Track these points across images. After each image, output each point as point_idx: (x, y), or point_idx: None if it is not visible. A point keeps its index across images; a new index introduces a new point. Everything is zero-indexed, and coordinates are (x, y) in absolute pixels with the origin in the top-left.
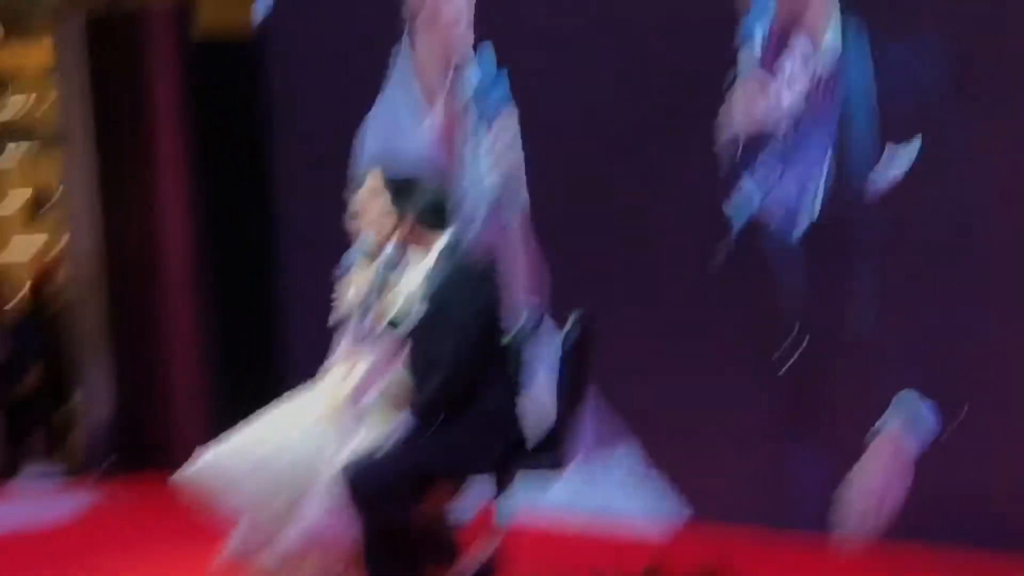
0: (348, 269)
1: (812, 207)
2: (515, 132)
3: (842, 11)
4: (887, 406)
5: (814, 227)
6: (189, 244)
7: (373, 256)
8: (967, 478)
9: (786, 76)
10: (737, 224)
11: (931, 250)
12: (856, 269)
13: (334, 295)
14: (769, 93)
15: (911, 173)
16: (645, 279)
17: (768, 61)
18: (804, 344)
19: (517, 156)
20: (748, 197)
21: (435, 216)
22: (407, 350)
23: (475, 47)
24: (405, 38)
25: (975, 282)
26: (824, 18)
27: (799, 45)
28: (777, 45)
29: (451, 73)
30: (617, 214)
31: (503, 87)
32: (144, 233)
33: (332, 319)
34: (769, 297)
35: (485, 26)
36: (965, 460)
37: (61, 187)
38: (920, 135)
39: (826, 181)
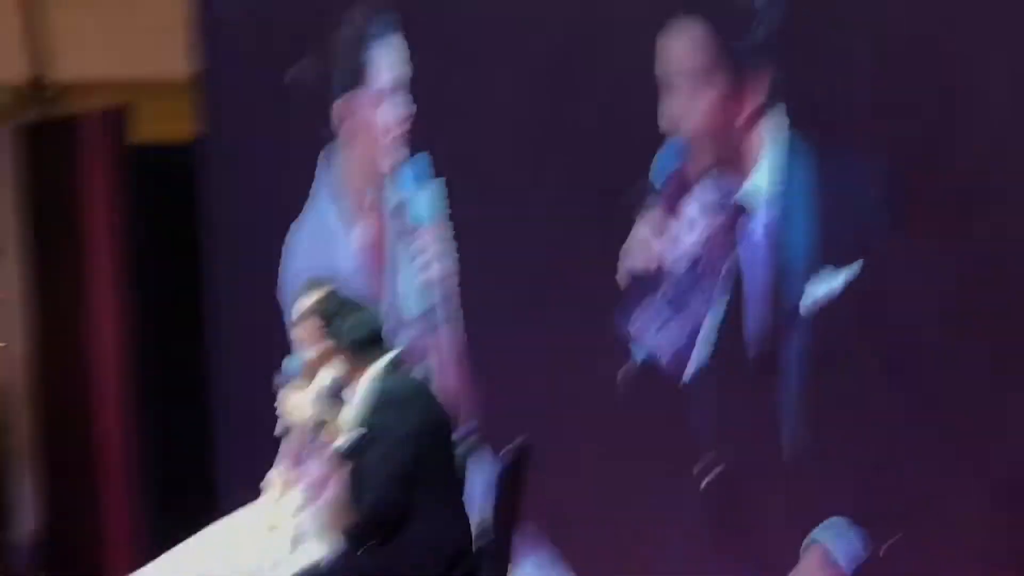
0: (287, 380)
1: (701, 353)
2: (444, 244)
3: (789, 130)
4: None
5: (712, 367)
6: (122, 355)
7: (310, 374)
8: None
9: (685, 220)
10: (637, 355)
11: (863, 373)
12: (784, 392)
13: (276, 405)
14: (664, 235)
15: (848, 295)
16: (565, 401)
17: (671, 200)
18: (719, 467)
19: (446, 269)
20: (640, 333)
21: (367, 346)
22: (345, 473)
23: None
24: (333, 147)
25: (909, 407)
26: (753, 157)
27: (707, 189)
28: (682, 185)
29: (379, 184)
30: (539, 333)
31: (432, 198)
32: (76, 344)
33: (276, 430)
34: (678, 425)
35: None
36: None
37: None
38: (860, 260)
39: (721, 326)
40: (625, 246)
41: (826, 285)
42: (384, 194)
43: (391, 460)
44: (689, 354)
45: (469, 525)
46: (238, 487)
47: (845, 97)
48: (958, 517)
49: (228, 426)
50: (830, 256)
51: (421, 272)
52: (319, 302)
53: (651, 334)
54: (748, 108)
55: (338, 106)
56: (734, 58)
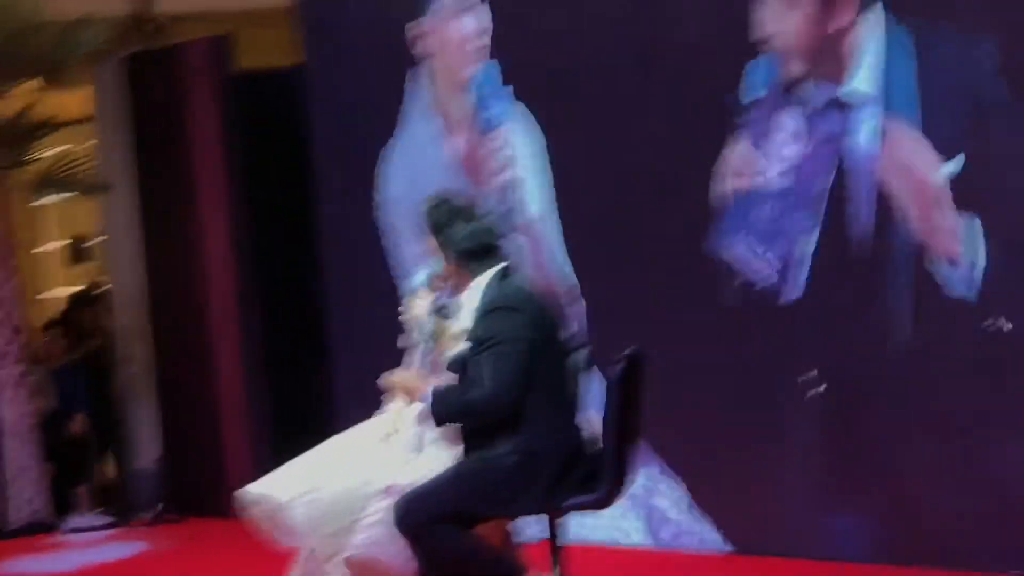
0: (413, 290)
1: (797, 277)
2: (518, 145)
3: (889, 24)
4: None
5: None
6: (234, 286)
7: (435, 285)
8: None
9: (787, 132)
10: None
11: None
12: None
13: (400, 315)
14: (757, 158)
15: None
16: (670, 318)
17: (769, 114)
18: (822, 385)
19: (523, 169)
20: (743, 253)
21: (478, 256)
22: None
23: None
24: (420, 68)
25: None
26: (850, 61)
27: (806, 97)
28: (779, 99)
29: (467, 97)
30: (636, 252)
31: (504, 101)
32: (188, 276)
33: (400, 342)
34: (781, 341)
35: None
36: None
37: (103, 233)
38: (963, 153)
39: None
40: (723, 162)
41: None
42: (471, 101)
43: (502, 361)
44: (791, 272)
45: (580, 431)
46: (351, 416)
47: None
48: None
49: (343, 353)
50: (939, 147)
51: (497, 174)
52: (428, 214)
53: (754, 253)
54: (842, 17)
55: (412, 27)
56: None
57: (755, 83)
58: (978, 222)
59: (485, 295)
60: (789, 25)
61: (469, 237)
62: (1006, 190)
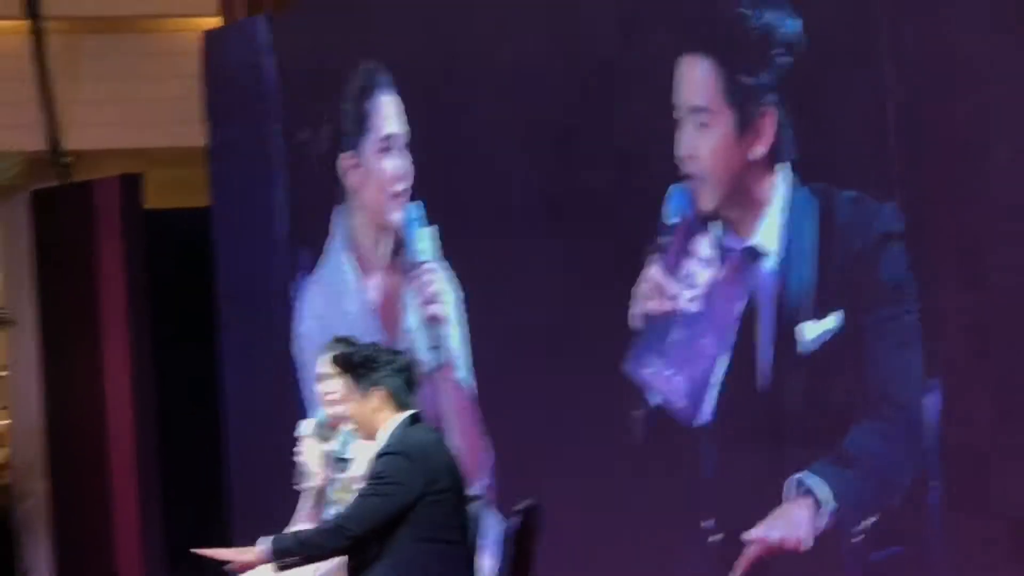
0: (308, 434)
1: (708, 399)
2: (441, 286)
3: (796, 179)
4: None
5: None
6: (133, 421)
7: (328, 431)
8: None
9: (698, 261)
10: (651, 400)
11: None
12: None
13: (296, 458)
14: (677, 275)
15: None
16: (580, 459)
17: (683, 241)
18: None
19: (445, 311)
20: (653, 378)
21: (406, 391)
22: None
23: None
24: (346, 204)
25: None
26: (764, 201)
27: (718, 231)
28: (694, 226)
29: (390, 237)
30: (549, 381)
31: (427, 241)
32: (87, 412)
33: (295, 483)
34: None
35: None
36: None
37: (7, 367)
38: (842, 310)
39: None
40: (637, 287)
41: (817, 329)
42: (395, 243)
43: (378, 499)
44: (702, 399)
45: None
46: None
47: (853, 144)
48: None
49: (244, 495)
50: (833, 303)
51: (422, 309)
52: (350, 353)
53: (664, 379)
54: (756, 150)
55: (344, 159)
56: (741, 97)
57: (673, 209)
58: None
59: (388, 439)
60: (703, 150)
61: (403, 370)
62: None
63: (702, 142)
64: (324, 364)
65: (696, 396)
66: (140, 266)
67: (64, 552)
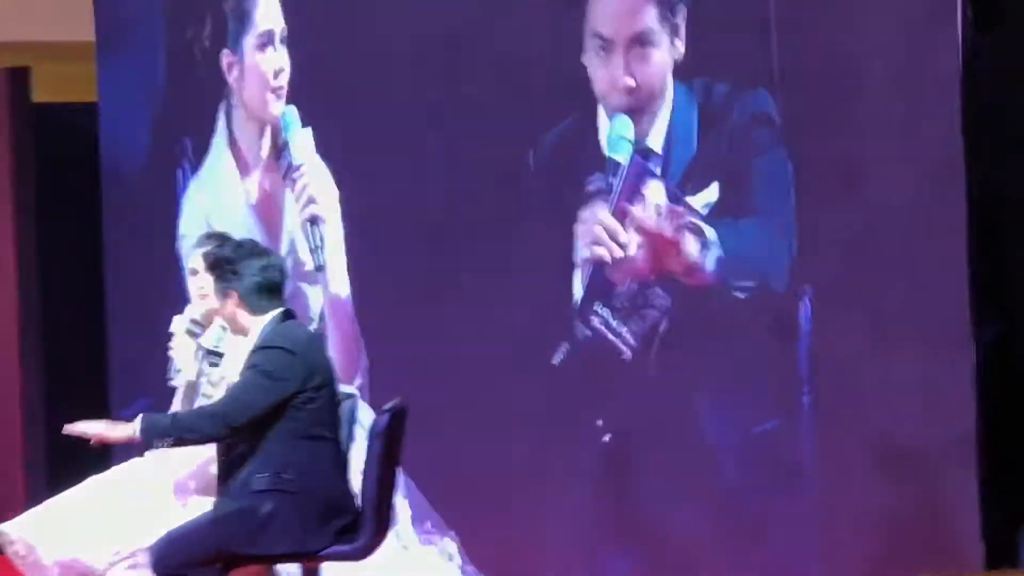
0: (181, 331)
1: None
2: (319, 188)
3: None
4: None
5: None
6: (18, 316)
7: (200, 327)
8: None
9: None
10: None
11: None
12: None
13: (170, 356)
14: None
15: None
16: (452, 358)
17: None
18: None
19: (322, 210)
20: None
21: (261, 296)
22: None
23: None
24: (225, 103)
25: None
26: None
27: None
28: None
29: (267, 137)
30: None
31: (305, 142)
32: None
33: (170, 381)
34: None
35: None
36: None
37: None
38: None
39: None
40: (583, 227)
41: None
42: (275, 140)
43: (258, 391)
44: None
45: (348, 482)
46: (132, 448)
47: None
48: None
49: (127, 390)
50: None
51: (301, 212)
52: (213, 252)
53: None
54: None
55: (225, 56)
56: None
57: (614, 142)
58: None
59: (262, 334)
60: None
61: (259, 273)
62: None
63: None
64: (195, 260)
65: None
66: (28, 160)
67: None
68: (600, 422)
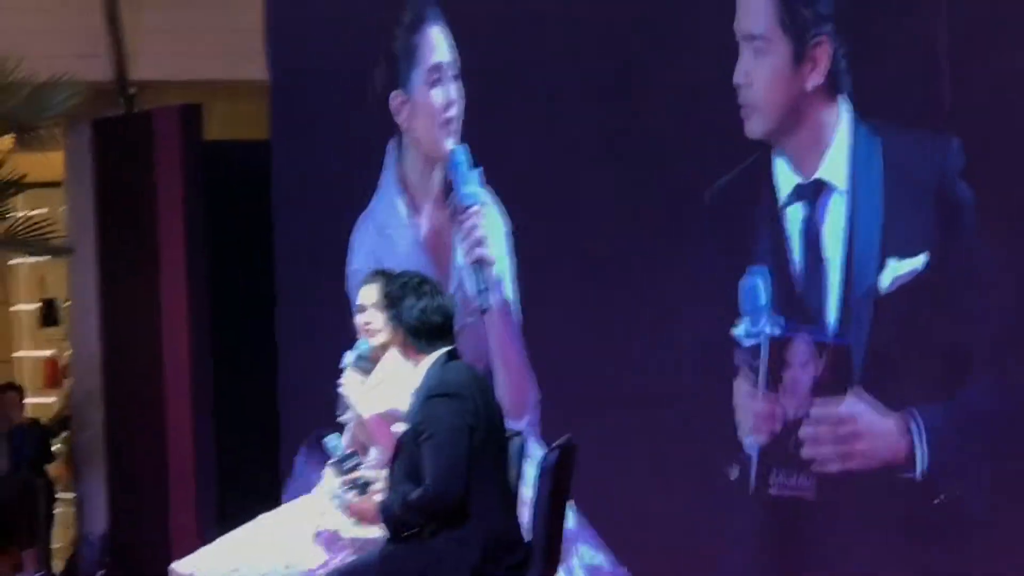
0: (350, 367)
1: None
2: (488, 229)
3: (856, 118)
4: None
5: None
6: (189, 353)
7: (372, 362)
8: None
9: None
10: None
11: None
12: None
13: (340, 392)
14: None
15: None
16: (630, 411)
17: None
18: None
19: (492, 252)
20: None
21: (427, 335)
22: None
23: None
24: (395, 140)
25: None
26: (818, 147)
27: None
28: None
29: (438, 173)
30: (595, 319)
31: (474, 183)
32: (144, 342)
33: (338, 416)
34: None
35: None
36: None
37: (70, 296)
38: (925, 253)
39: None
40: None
41: (908, 266)
42: (445, 176)
43: (451, 450)
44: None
45: (518, 519)
46: (304, 488)
47: (912, 78)
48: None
49: (296, 424)
50: (896, 243)
51: (469, 253)
52: (382, 289)
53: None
54: (812, 79)
55: (396, 95)
56: (797, 27)
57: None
58: None
59: (427, 380)
60: (758, 77)
61: (420, 314)
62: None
63: (757, 69)
64: (363, 296)
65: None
66: (198, 197)
67: (118, 482)
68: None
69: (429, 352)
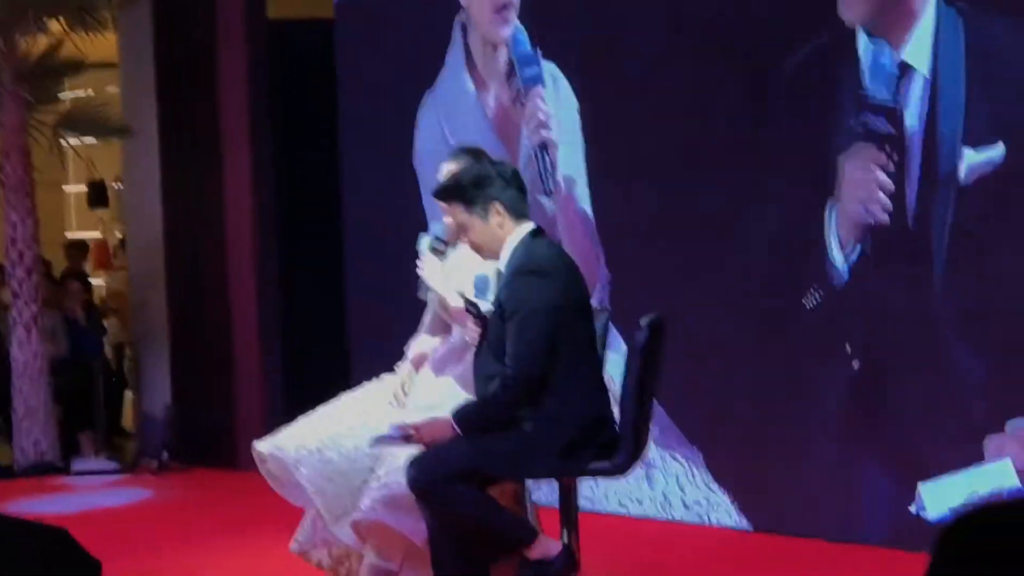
0: (429, 246)
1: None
2: (554, 108)
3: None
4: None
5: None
6: (253, 236)
7: (452, 240)
8: None
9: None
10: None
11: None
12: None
13: (418, 271)
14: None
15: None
16: (714, 285)
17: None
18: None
19: (557, 134)
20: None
21: (515, 210)
22: (481, 341)
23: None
24: (459, 21)
25: None
26: (908, 24)
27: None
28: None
29: (500, 57)
30: (694, 218)
31: (535, 66)
32: (207, 225)
33: (419, 294)
34: (834, 308)
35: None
36: None
37: (124, 178)
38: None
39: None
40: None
41: (984, 156)
42: (508, 56)
43: (533, 331)
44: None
45: (607, 395)
46: (369, 372)
47: None
48: None
49: (362, 304)
50: (980, 128)
51: (533, 135)
52: (468, 169)
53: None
54: None
55: None
56: None
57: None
58: None
59: (514, 256)
60: None
61: (513, 179)
62: None
63: None
64: (446, 173)
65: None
66: (262, 78)
67: (181, 365)
68: (848, 348)
69: (516, 227)
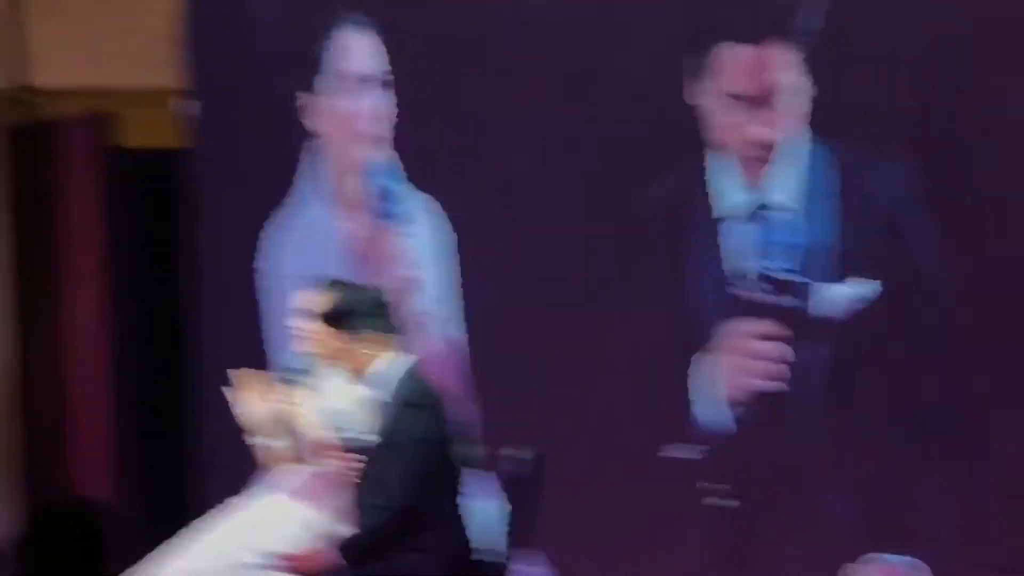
0: (291, 378)
1: None
2: (422, 245)
3: (813, 141)
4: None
5: None
6: (103, 360)
7: (317, 372)
8: None
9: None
10: None
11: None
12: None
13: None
14: None
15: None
16: (566, 408)
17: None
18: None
19: (420, 274)
20: None
21: (378, 328)
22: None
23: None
24: (316, 144)
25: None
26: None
27: None
28: None
29: (362, 176)
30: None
31: (408, 200)
32: (58, 354)
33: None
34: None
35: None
36: None
37: None
38: (879, 280)
39: None
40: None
41: (851, 291)
42: (367, 186)
43: (412, 467)
44: None
45: (466, 529)
46: (219, 491)
47: (866, 102)
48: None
49: (209, 432)
50: (854, 262)
51: (397, 273)
52: (336, 299)
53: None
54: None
55: (306, 98)
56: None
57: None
58: None
59: (401, 386)
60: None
61: (381, 310)
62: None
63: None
64: (311, 304)
65: None
66: (112, 206)
67: (30, 492)
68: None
69: (388, 354)
